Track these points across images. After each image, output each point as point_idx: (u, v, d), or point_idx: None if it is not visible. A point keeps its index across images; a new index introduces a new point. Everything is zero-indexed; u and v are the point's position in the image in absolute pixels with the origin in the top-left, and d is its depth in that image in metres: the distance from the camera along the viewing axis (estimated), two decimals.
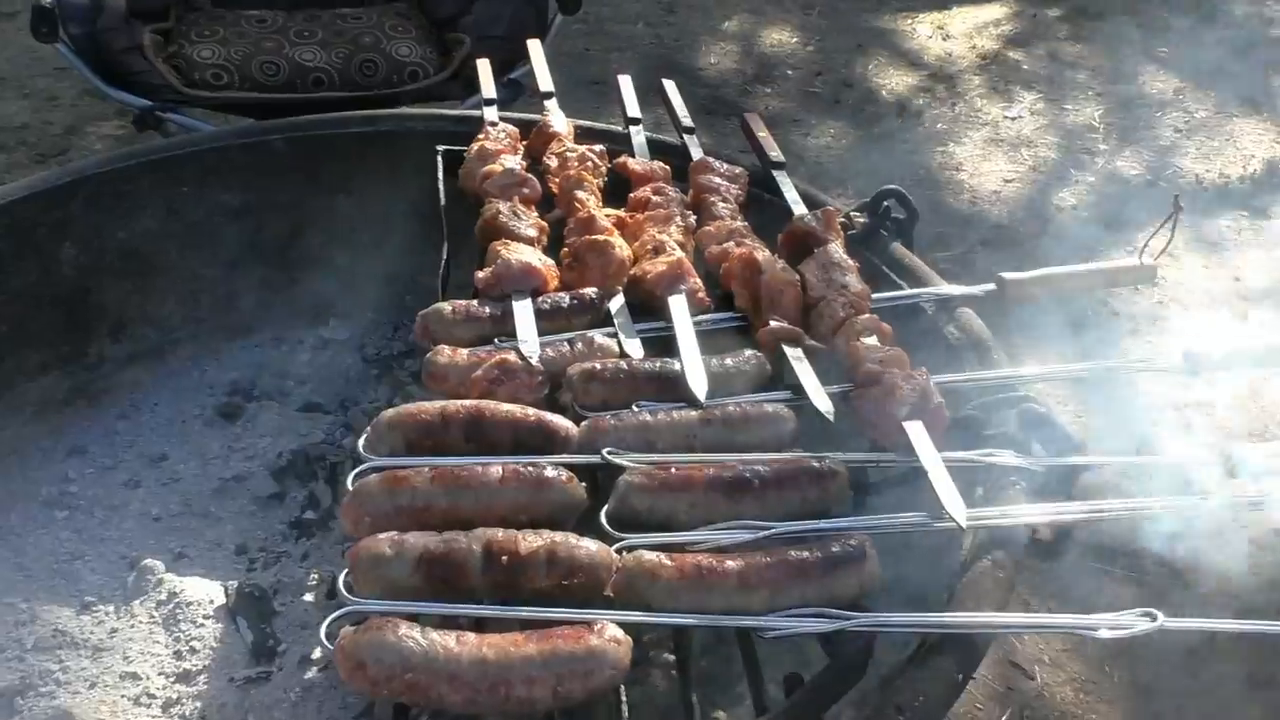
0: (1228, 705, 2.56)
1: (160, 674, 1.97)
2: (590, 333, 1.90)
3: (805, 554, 1.47)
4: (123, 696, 1.93)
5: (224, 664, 1.99)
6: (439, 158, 2.38)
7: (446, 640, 1.34)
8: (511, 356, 1.79)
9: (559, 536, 1.47)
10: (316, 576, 2.18)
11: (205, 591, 2.12)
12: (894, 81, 5.37)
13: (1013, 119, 5.06)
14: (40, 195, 2.40)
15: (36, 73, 5.07)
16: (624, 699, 1.39)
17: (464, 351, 1.84)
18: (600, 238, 2.03)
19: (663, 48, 5.61)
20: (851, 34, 5.76)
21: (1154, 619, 1.41)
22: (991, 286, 2.08)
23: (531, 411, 1.70)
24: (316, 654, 2.00)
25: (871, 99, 5.22)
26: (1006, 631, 1.55)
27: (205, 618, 2.07)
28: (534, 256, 2.01)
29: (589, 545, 1.47)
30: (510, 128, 2.44)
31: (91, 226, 2.48)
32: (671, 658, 1.88)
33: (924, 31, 5.79)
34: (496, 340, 1.87)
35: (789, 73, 5.45)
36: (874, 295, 1.99)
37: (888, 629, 1.44)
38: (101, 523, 2.30)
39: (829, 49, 5.63)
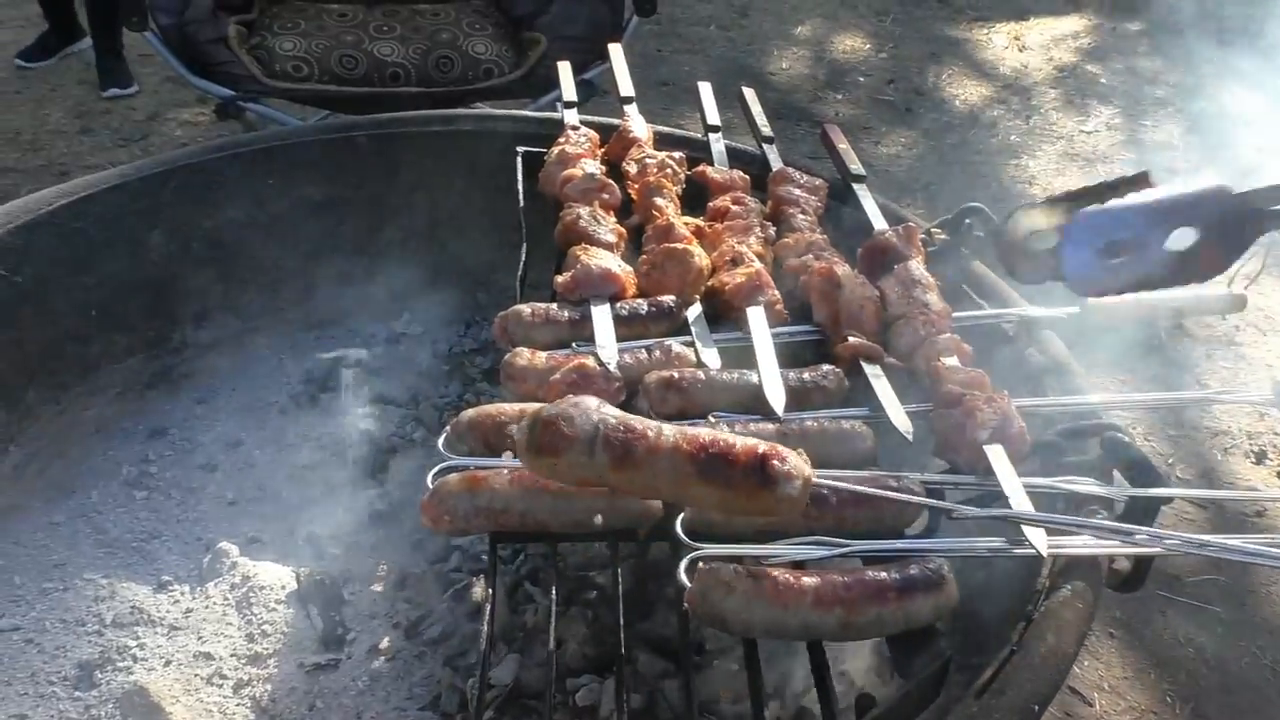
0: None
1: (232, 655, 2.02)
2: (668, 340, 1.90)
3: (883, 575, 1.46)
4: (196, 675, 1.98)
5: (294, 649, 2.03)
6: (519, 159, 2.39)
7: None
8: (590, 361, 1.79)
9: None
10: (385, 567, 2.21)
11: (277, 577, 2.16)
12: (967, 92, 5.30)
13: (1089, 133, 4.98)
14: (132, 184, 2.47)
15: None
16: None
17: (542, 354, 1.85)
18: (679, 246, 2.03)
19: (734, 51, 5.60)
20: (925, 42, 5.71)
21: None
22: (1075, 309, 2.04)
23: None
24: (384, 644, 2.03)
25: (944, 109, 5.17)
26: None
27: (277, 602, 2.11)
28: (613, 262, 2.01)
29: None
30: (590, 132, 2.45)
31: (180, 216, 2.54)
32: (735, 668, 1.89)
33: (1000, 42, 5.72)
34: (574, 344, 1.88)
35: (861, 79, 5.41)
36: (954, 314, 1.97)
37: None
38: (179, 504, 2.36)
39: (902, 57, 5.58)
